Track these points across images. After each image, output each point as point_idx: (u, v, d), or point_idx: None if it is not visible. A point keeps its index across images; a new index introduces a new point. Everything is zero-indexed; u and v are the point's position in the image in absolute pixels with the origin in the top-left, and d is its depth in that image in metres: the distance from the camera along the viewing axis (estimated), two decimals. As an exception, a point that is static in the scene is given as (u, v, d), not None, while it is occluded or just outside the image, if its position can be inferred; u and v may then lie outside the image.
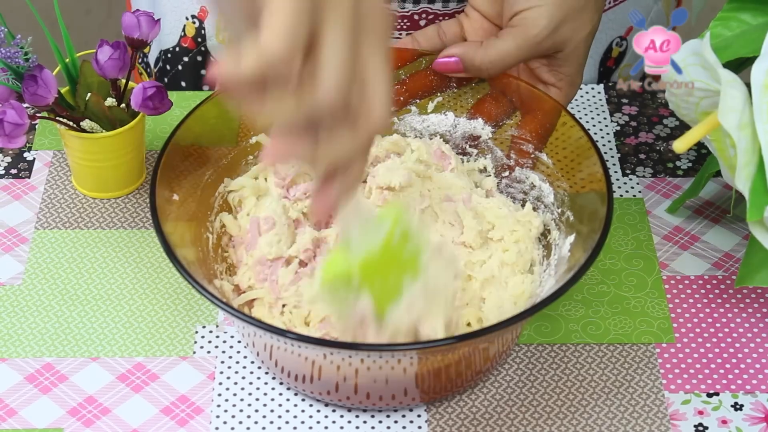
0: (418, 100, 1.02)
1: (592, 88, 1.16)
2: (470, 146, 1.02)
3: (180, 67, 1.22)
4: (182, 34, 1.20)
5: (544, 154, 0.98)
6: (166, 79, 1.24)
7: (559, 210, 0.96)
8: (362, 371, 0.87)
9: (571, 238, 0.93)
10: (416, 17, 1.12)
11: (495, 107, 1.01)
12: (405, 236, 0.84)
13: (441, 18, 1.12)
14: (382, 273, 0.84)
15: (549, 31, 0.95)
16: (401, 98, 1.02)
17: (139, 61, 1.21)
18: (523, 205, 0.99)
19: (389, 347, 0.85)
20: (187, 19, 1.19)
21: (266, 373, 0.94)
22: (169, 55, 1.22)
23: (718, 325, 0.98)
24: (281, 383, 0.94)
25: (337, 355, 0.85)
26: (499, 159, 1.01)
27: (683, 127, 1.12)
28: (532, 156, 0.99)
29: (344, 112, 0.72)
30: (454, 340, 0.84)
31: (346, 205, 0.78)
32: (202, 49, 1.20)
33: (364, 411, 0.92)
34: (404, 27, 1.13)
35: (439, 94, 1.02)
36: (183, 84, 1.23)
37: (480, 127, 1.01)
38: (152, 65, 1.26)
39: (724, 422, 0.92)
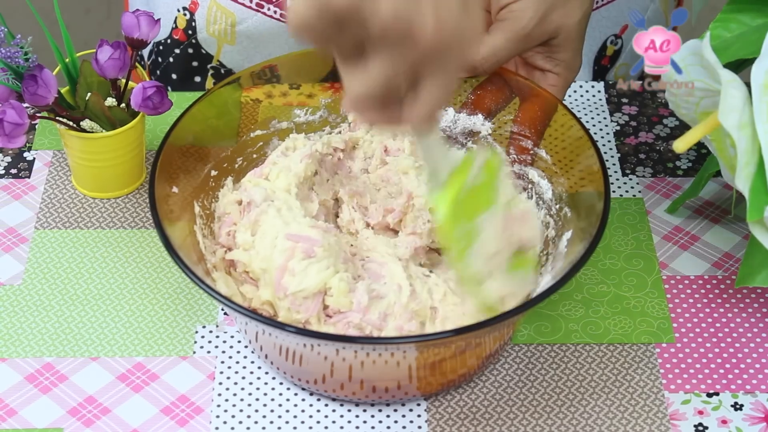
0: None
1: (593, 86, 1.16)
2: (470, 142, 1.02)
3: (171, 59, 1.22)
4: (174, 26, 1.20)
5: (543, 151, 0.99)
6: (158, 72, 1.24)
7: (557, 206, 0.97)
8: (365, 363, 0.88)
9: (569, 234, 0.93)
10: None
11: (493, 100, 1.01)
12: (488, 179, 0.86)
13: None
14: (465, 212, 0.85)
15: (536, 22, 0.95)
16: None
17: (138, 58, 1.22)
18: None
19: (385, 340, 0.86)
20: (178, 11, 1.19)
21: (266, 373, 0.94)
22: (161, 48, 1.23)
23: (717, 325, 0.98)
24: (281, 383, 0.94)
25: (330, 346, 0.86)
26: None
27: (683, 127, 1.12)
28: (531, 152, 0.99)
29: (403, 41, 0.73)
30: (451, 334, 0.84)
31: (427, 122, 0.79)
32: (193, 41, 1.20)
33: (364, 411, 0.92)
34: None
35: None
36: (174, 77, 1.23)
37: (480, 122, 1.02)
38: (146, 58, 1.26)
39: (724, 422, 0.92)
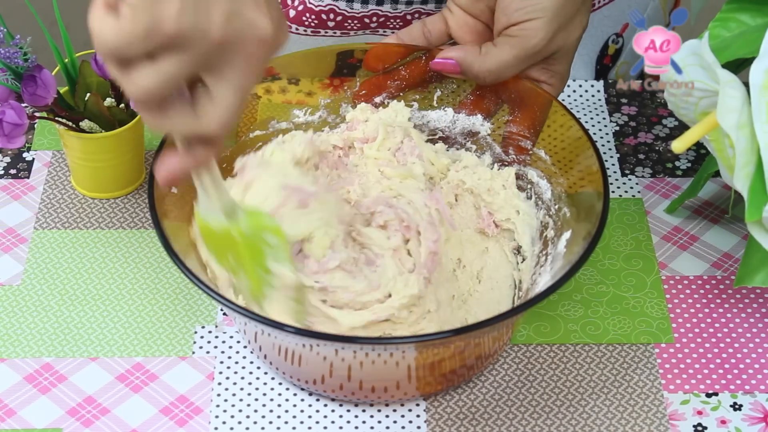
0: (418, 96, 1.02)
1: (592, 86, 1.16)
2: (469, 142, 1.02)
3: None
4: None
5: (542, 151, 0.99)
6: None
7: (556, 206, 0.97)
8: (364, 364, 0.88)
9: (567, 234, 0.93)
10: (409, 17, 1.12)
11: (492, 101, 1.01)
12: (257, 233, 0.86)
13: None
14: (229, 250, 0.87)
15: (546, 42, 0.95)
16: (400, 92, 1.02)
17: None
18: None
19: (385, 341, 0.86)
20: None
21: (266, 373, 0.95)
22: None
23: (717, 325, 0.98)
24: (280, 383, 0.94)
25: (329, 346, 0.86)
26: (498, 155, 1.01)
27: (682, 128, 1.12)
28: (530, 152, 0.99)
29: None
30: (450, 334, 0.84)
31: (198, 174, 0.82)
32: None
33: (364, 411, 0.92)
34: (397, 27, 1.13)
35: (438, 89, 1.02)
36: None
37: (479, 123, 1.02)
38: None
39: (723, 422, 0.92)
